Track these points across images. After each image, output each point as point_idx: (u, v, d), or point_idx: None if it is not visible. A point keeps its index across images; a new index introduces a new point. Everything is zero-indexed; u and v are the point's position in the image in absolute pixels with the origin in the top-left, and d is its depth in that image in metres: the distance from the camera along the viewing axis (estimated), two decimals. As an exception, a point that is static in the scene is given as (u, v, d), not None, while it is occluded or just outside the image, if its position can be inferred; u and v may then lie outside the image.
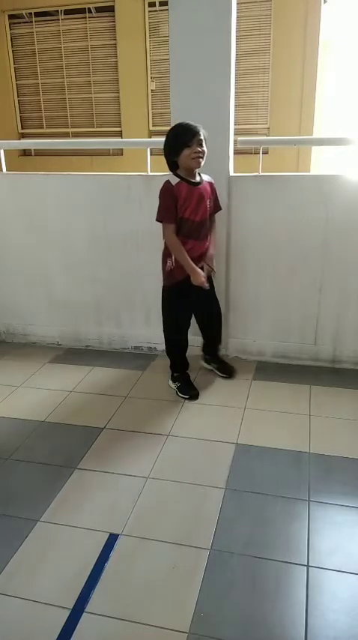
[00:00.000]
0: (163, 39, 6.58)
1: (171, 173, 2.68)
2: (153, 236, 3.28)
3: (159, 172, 3.21)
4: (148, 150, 3.33)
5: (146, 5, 6.64)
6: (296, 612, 1.63)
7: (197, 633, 1.57)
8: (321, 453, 2.42)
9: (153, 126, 7.11)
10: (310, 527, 1.98)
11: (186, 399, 2.94)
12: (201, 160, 2.60)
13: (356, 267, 3.08)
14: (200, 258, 2.78)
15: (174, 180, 2.64)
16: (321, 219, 3.03)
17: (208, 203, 2.74)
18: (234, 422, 2.70)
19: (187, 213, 2.66)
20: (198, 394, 2.96)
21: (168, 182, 2.63)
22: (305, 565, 1.80)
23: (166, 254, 2.78)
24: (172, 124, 2.96)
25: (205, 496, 2.15)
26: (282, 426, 2.66)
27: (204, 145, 2.59)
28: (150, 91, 6.98)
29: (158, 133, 6.98)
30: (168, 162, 2.68)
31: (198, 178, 2.70)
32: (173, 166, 2.67)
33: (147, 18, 6.69)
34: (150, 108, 7.05)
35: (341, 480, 2.24)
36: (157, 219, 2.69)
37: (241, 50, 5.93)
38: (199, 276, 2.69)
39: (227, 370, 3.18)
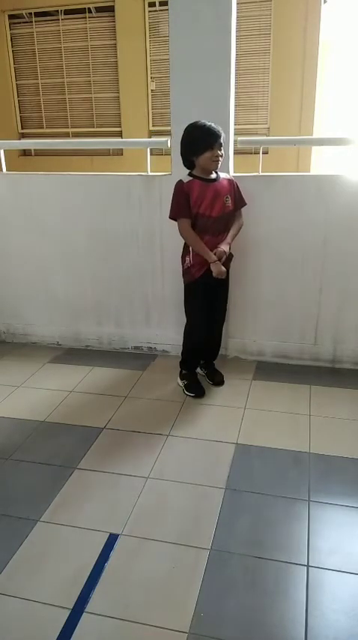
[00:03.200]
0: (163, 39, 6.58)
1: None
2: (153, 236, 3.29)
3: (159, 172, 3.21)
4: (148, 150, 3.33)
5: (146, 5, 6.63)
6: (296, 612, 1.63)
7: (197, 633, 1.57)
8: (321, 453, 2.42)
9: (153, 126, 7.11)
10: (310, 527, 1.98)
11: (191, 396, 2.97)
12: (219, 162, 2.68)
13: (356, 267, 3.08)
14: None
15: (187, 179, 2.71)
16: (321, 219, 3.03)
17: (225, 200, 2.76)
18: (234, 422, 2.70)
19: (202, 209, 2.70)
20: (204, 393, 2.98)
21: (179, 181, 2.72)
22: (305, 565, 1.80)
23: (185, 252, 2.83)
24: (172, 124, 2.98)
25: (205, 496, 2.16)
26: (282, 426, 2.66)
27: (222, 148, 2.67)
28: (150, 91, 6.97)
29: (158, 133, 6.98)
30: (184, 160, 2.72)
31: (213, 176, 2.75)
32: (189, 165, 2.73)
33: (147, 18, 6.69)
34: (150, 108, 7.05)
35: (341, 480, 2.24)
36: (171, 217, 2.76)
37: (241, 50, 5.91)
38: (217, 265, 2.70)
39: (215, 379, 3.13)
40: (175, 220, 2.75)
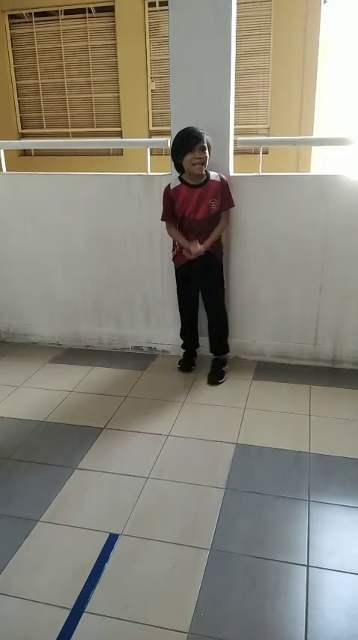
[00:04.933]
0: (163, 39, 6.58)
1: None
2: (153, 236, 3.29)
3: (159, 172, 3.21)
4: (148, 150, 3.33)
5: (146, 5, 6.64)
6: (296, 612, 1.63)
7: (197, 633, 1.57)
8: (321, 453, 2.42)
9: (153, 126, 7.11)
10: (310, 527, 1.98)
11: (178, 368, 3.28)
12: (201, 165, 2.76)
13: (356, 267, 3.08)
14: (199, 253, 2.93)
15: (176, 183, 2.88)
16: (321, 219, 3.03)
17: (211, 203, 2.86)
18: (234, 422, 2.70)
19: (187, 212, 2.90)
20: (187, 370, 3.26)
21: (167, 186, 2.93)
22: (305, 565, 1.80)
23: (173, 245, 3.10)
24: (172, 124, 3.00)
25: (205, 496, 2.16)
26: (282, 426, 2.66)
27: (206, 151, 2.73)
28: (150, 91, 6.98)
29: (158, 133, 6.98)
30: (174, 165, 2.86)
31: (202, 179, 2.85)
32: (180, 168, 2.87)
33: (147, 18, 6.69)
34: (150, 108, 7.05)
35: (341, 480, 2.24)
36: (162, 219, 3.00)
37: (241, 50, 5.92)
38: (191, 245, 2.88)
39: (209, 377, 3.17)
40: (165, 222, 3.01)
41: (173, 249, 3.10)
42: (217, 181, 2.87)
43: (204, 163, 2.76)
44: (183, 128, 2.78)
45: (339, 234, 3.04)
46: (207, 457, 2.43)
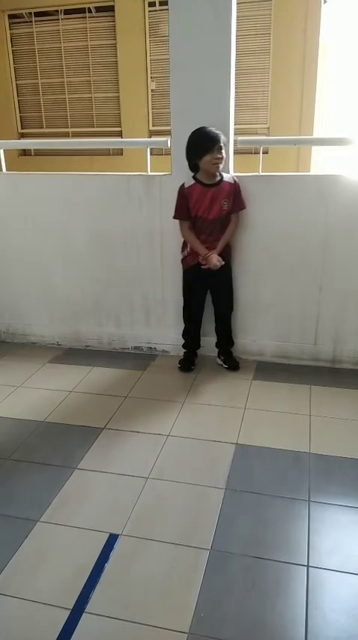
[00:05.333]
0: (163, 39, 6.57)
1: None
2: (153, 236, 3.29)
3: (159, 172, 3.21)
4: (148, 150, 3.33)
5: (146, 5, 6.63)
6: (296, 612, 1.63)
7: (197, 633, 1.57)
8: (321, 453, 2.42)
9: (153, 126, 7.10)
10: (310, 527, 1.98)
11: (178, 368, 3.30)
12: (220, 165, 2.84)
13: (356, 267, 3.08)
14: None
15: (190, 182, 2.92)
16: (321, 219, 3.03)
17: (223, 203, 2.92)
18: (234, 422, 2.70)
19: (200, 212, 2.94)
20: (188, 369, 3.28)
21: (182, 185, 2.95)
22: (305, 565, 1.80)
23: (183, 245, 3.11)
24: (172, 124, 3.00)
25: (205, 496, 2.16)
26: (282, 426, 2.66)
27: (223, 151, 2.80)
28: (150, 91, 6.97)
29: (158, 133, 6.97)
30: (189, 164, 2.89)
31: (216, 179, 2.91)
32: (194, 168, 2.91)
33: (147, 18, 6.68)
34: (150, 108, 7.04)
35: (341, 480, 2.24)
36: (174, 217, 3.02)
37: (241, 50, 5.89)
38: (212, 259, 2.94)
39: (230, 363, 3.28)
40: (178, 220, 3.02)
41: (182, 251, 3.11)
42: (230, 183, 2.94)
43: (222, 162, 2.83)
44: (196, 129, 2.81)
45: (339, 234, 3.04)
46: (207, 457, 2.42)
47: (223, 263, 2.96)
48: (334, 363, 3.29)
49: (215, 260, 2.93)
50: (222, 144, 2.79)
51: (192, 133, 2.83)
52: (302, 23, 6.16)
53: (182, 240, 3.09)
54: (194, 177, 2.93)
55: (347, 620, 1.60)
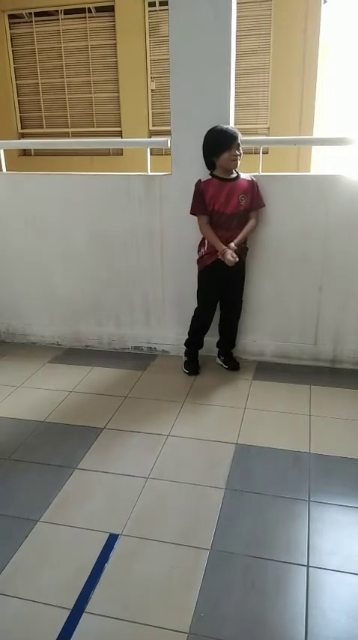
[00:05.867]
0: (163, 39, 6.58)
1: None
2: (153, 236, 3.29)
3: (159, 172, 3.21)
4: (148, 150, 3.33)
5: (146, 5, 6.63)
6: (296, 612, 1.63)
7: (197, 633, 1.57)
8: (321, 453, 2.42)
9: (153, 126, 7.10)
10: (310, 527, 1.98)
11: (186, 373, 3.24)
12: (238, 161, 2.88)
13: (356, 266, 3.08)
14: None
15: (206, 177, 2.94)
16: (321, 219, 3.03)
17: (240, 198, 2.92)
18: (234, 422, 2.70)
19: (217, 206, 2.92)
20: (196, 372, 3.24)
21: (198, 180, 2.95)
22: (305, 565, 1.80)
23: (201, 244, 3.08)
24: (172, 124, 3.01)
25: (205, 496, 2.15)
26: (282, 426, 2.66)
27: (240, 148, 2.85)
28: (150, 91, 6.97)
29: (158, 133, 6.97)
30: (206, 162, 2.94)
31: (233, 175, 2.94)
32: (211, 165, 2.94)
33: (147, 18, 6.68)
34: (150, 108, 7.04)
35: (341, 480, 2.24)
36: (191, 213, 3.00)
37: (241, 50, 5.91)
38: (226, 253, 2.90)
39: (230, 364, 3.29)
40: (195, 215, 2.99)
41: (198, 250, 3.07)
42: (248, 180, 2.97)
43: (240, 159, 2.88)
44: (212, 127, 2.84)
45: (339, 234, 3.04)
46: (207, 457, 2.42)
47: (237, 260, 2.91)
48: (334, 363, 3.29)
49: (229, 255, 2.88)
50: (239, 141, 2.83)
51: (209, 131, 2.85)
52: (303, 23, 6.16)
53: (191, 239, 3.07)
54: (211, 174, 2.94)
55: (348, 620, 1.60)
